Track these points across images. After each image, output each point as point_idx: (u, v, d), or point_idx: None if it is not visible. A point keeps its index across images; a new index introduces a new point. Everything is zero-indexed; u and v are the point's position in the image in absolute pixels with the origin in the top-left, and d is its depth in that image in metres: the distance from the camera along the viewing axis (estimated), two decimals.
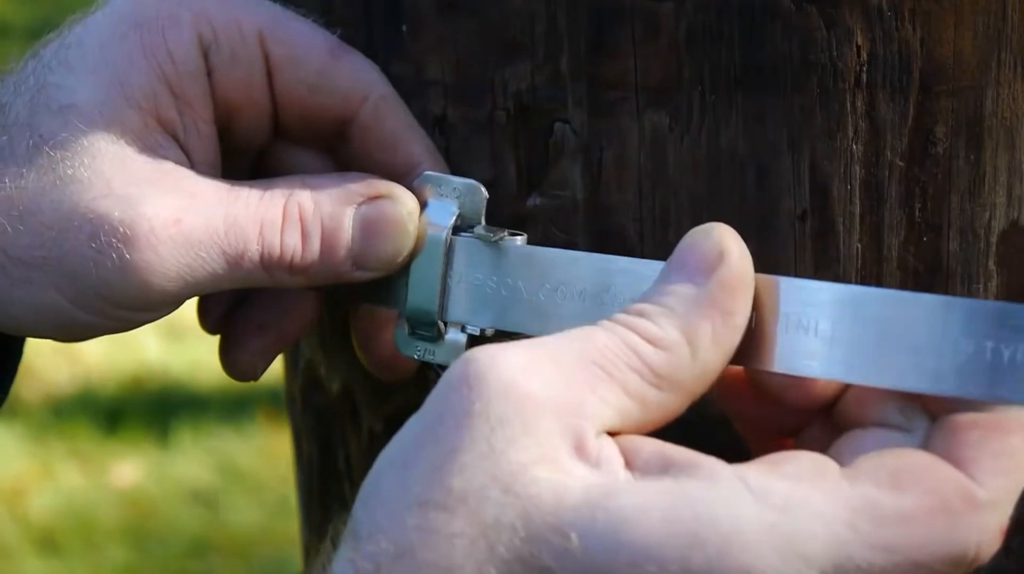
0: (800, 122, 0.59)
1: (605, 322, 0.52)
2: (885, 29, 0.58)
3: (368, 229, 0.60)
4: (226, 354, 0.66)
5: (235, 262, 0.59)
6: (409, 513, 0.49)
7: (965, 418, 0.51)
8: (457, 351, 0.60)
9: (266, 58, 0.61)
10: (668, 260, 0.54)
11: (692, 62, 0.59)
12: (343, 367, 0.69)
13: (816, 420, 0.55)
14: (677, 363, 0.52)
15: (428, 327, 0.61)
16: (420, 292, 0.61)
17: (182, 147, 0.60)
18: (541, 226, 0.62)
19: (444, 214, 0.61)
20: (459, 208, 0.60)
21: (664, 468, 0.50)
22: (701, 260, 0.53)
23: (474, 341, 0.60)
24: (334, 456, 0.71)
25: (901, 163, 0.59)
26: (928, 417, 0.53)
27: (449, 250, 0.60)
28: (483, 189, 0.60)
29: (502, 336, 0.60)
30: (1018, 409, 0.51)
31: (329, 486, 0.72)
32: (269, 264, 0.59)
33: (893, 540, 0.49)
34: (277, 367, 0.72)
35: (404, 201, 0.61)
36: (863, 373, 0.52)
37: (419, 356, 0.62)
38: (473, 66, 0.61)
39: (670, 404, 0.52)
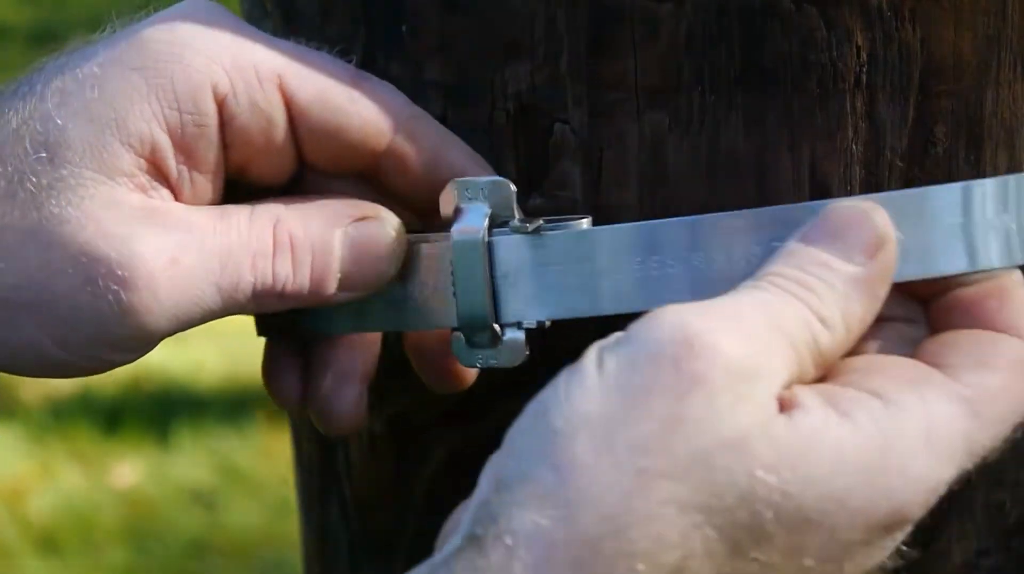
0: (800, 122, 0.59)
1: (774, 289, 0.53)
2: (885, 29, 0.58)
3: (357, 250, 0.59)
4: (326, 421, 0.64)
5: (229, 296, 0.58)
6: (629, 481, 0.49)
7: (969, 292, 0.56)
8: (519, 352, 0.60)
9: (287, 103, 0.59)
10: (815, 224, 0.54)
11: (692, 62, 0.59)
12: None
13: None
14: (835, 345, 0.53)
15: (484, 333, 0.60)
16: (469, 300, 0.60)
17: (173, 192, 0.59)
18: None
19: (476, 216, 0.59)
20: (490, 207, 0.59)
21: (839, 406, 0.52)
22: (863, 239, 0.54)
23: (533, 336, 0.60)
24: (334, 457, 0.71)
25: (901, 163, 0.59)
26: (918, 303, 0.57)
27: (489, 251, 0.59)
28: (511, 184, 0.59)
29: (561, 325, 0.59)
30: (1005, 272, 0.56)
31: (329, 487, 0.72)
32: (261, 294, 0.58)
33: (1001, 414, 0.53)
34: None
35: (390, 221, 0.60)
36: None
37: (481, 364, 0.61)
38: (473, 66, 0.61)
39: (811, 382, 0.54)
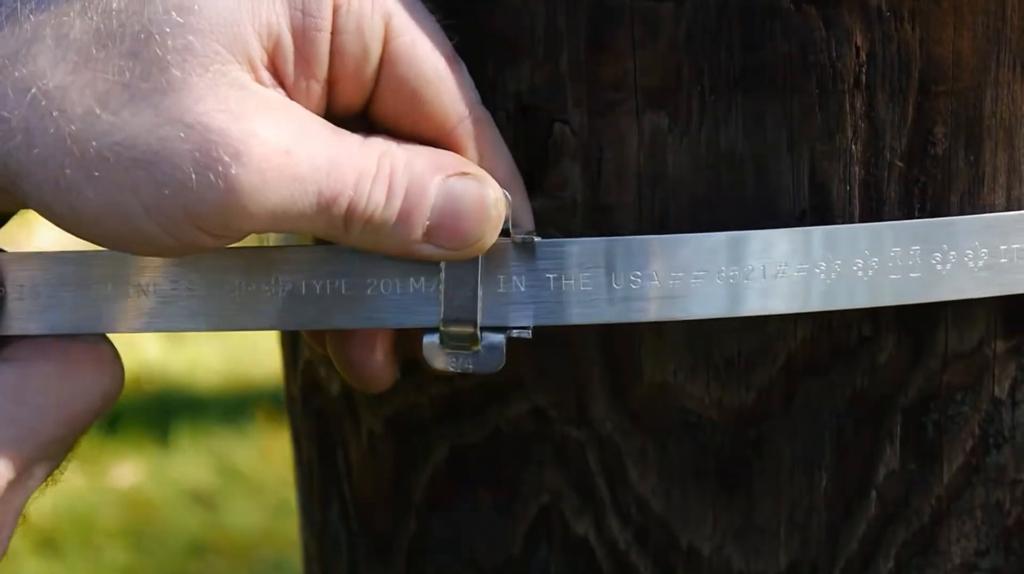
0: (800, 122, 0.59)
1: None
2: (884, 29, 0.58)
3: (452, 204, 0.58)
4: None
5: (326, 205, 0.57)
6: None
7: None
8: (499, 357, 0.60)
9: (384, 46, 0.59)
10: None
11: (692, 62, 0.59)
12: None
13: None
14: None
15: (465, 335, 0.60)
16: (456, 301, 0.59)
17: (289, 95, 0.58)
18: (540, 227, 0.62)
19: None
20: None
21: None
22: None
23: (513, 343, 0.60)
24: (334, 457, 0.71)
25: (900, 163, 0.59)
26: None
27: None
28: (507, 194, 0.59)
29: (543, 333, 0.59)
30: None
31: (329, 487, 0.72)
32: (352, 214, 0.57)
33: None
34: (276, 368, 0.72)
35: (493, 187, 0.59)
36: None
37: (454, 368, 0.60)
38: (472, 66, 0.61)
39: None
